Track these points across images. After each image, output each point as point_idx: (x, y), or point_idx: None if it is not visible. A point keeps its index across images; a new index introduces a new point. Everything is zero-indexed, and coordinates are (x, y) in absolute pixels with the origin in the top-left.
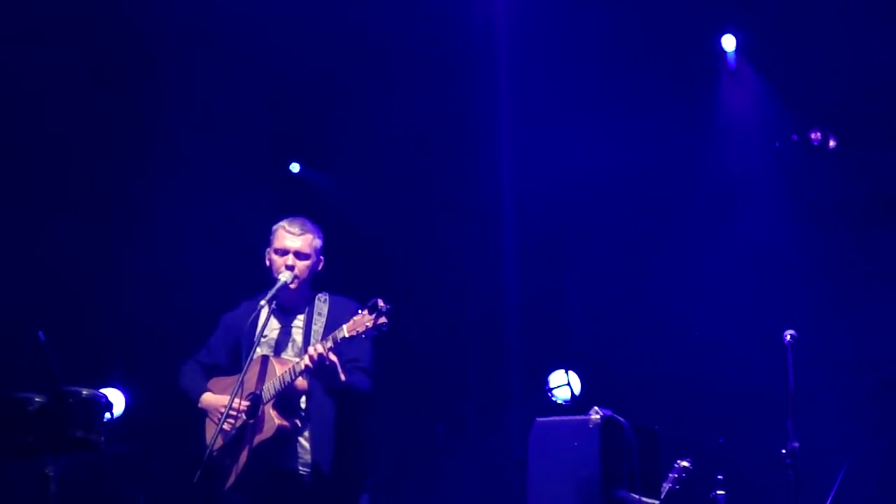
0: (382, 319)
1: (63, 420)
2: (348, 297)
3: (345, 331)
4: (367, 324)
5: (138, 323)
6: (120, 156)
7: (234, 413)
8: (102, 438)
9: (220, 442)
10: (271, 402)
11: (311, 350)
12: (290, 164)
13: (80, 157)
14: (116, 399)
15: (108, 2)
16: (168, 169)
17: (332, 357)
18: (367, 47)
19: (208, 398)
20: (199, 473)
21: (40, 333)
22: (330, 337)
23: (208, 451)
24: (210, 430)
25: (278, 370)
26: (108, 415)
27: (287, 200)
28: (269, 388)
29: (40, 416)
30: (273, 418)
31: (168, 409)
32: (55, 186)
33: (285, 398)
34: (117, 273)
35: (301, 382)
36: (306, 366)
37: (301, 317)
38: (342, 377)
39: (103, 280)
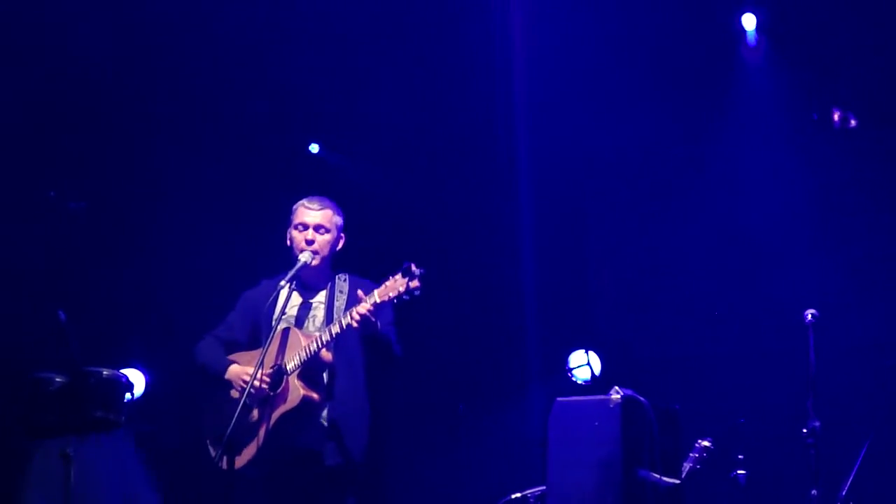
0: (415, 283)
1: (84, 400)
2: (368, 278)
3: (376, 296)
4: (400, 288)
5: (158, 303)
6: (138, 136)
7: (258, 382)
8: (123, 418)
9: (241, 416)
10: (296, 373)
11: (354, 312)
12: (310, 144)
13: (97, 138)
14: (137, 379)
15: None
16: (188, 149)
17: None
18: (381, 25)
19: (236, 369)
20: (220, 453)
21: (61, 313)
22: (366, 298)
23: (230, 430)
24: (232, 400)
25: (303, 341)
26: (128, 395)
27: (306, 180)
28: (294, 358)
29: (61, 397)
30: (298, 388)
31: (188, 390)
32: (75, 166)
33: (310, 370)
34: (137, 253)
35: (326, 354)
36: (335, 334)
37: (323, 293)
38: (380, 327)
39: (123, 260)
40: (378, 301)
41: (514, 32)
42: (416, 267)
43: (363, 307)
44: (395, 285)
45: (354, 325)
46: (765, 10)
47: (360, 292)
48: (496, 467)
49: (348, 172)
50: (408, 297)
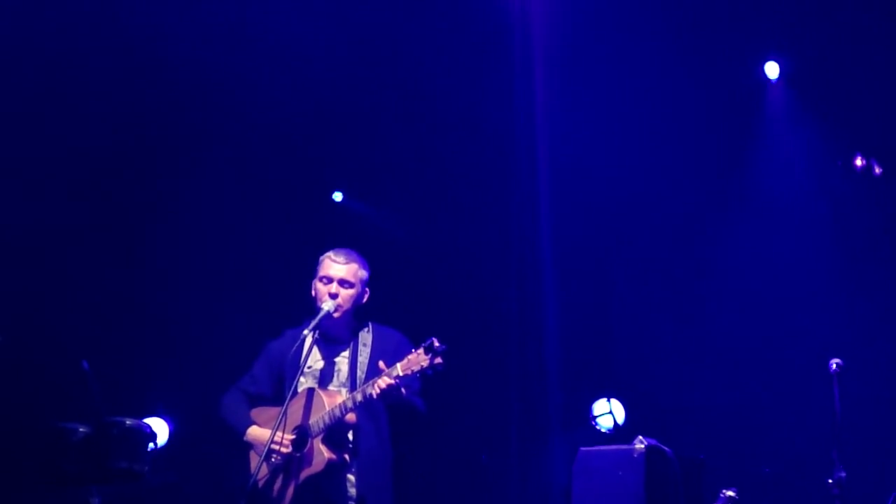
0: (438, 360)
1: (107, 450)
2: (391, 326)
3: (399, 369)
4: (423, 363)
5: (182, 352)
6: (163, 186)
7: (278, 447)
8: (146, 468)
9: (265, 472)
10: (321, 437)
11: (375, 386)
12: (333, 192)
13: (122, 189)
14: (160, 429)
15: (150, 41)
16: (212, 200)
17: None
18: (404, 75)
19: (255, 432)
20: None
21: (84, 363)
22: (388, 371)
23: (251, 481)
24: (254, 461)
25: (327, 404)
26: (151, 445)
27: (330, 229)
28: (319, 421)
29: (84, 447)
30: (323, 452)
31: (213, 439)
32: (98, 218)
33: (334, 432)
34: (161, 303)
35: (351, 417)
36: (357, 402)
37: (347, 348)
38: (405, 395)
39: (147, 310)
40: (400, 375)
41: (537, 90)
42: (439, 343)
43: (384, 381)
44: (418, 360)
45: (375, 396)
46: (788, 58)
47: (381, 363)
48: None
49: (372, 220)
50: (431, 373)
